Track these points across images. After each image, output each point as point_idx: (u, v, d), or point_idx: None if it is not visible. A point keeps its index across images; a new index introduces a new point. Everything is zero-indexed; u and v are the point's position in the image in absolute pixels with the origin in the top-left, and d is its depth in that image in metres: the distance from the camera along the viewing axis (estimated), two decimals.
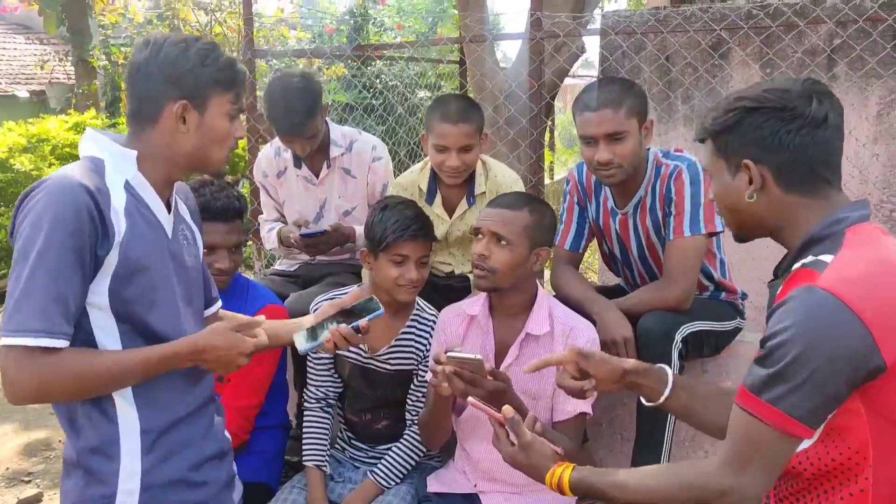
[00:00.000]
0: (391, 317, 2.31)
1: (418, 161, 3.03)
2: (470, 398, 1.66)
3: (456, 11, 7.45)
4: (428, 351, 2.33)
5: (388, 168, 3.05)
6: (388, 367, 2.37)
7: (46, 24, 10.65)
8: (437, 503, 2.24)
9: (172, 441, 1.57)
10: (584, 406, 2.07)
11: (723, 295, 2.51)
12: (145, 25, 8.58)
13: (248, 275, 3.13)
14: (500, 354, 2.14)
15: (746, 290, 2.64)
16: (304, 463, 2.39)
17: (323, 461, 2.38)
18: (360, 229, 2.77)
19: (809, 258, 1.32)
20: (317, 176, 2.99)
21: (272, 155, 3.06)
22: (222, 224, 2.35)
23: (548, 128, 7.80)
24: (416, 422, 2.34)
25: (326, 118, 2.95)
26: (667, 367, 1.68)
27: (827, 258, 1.28)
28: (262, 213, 3.26)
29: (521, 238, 2.06)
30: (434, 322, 2.35)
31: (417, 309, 2.40)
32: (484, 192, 2.70)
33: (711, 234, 2.34)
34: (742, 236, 1.49)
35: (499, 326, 2.17)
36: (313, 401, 2.45)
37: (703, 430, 1.69)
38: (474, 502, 2.19)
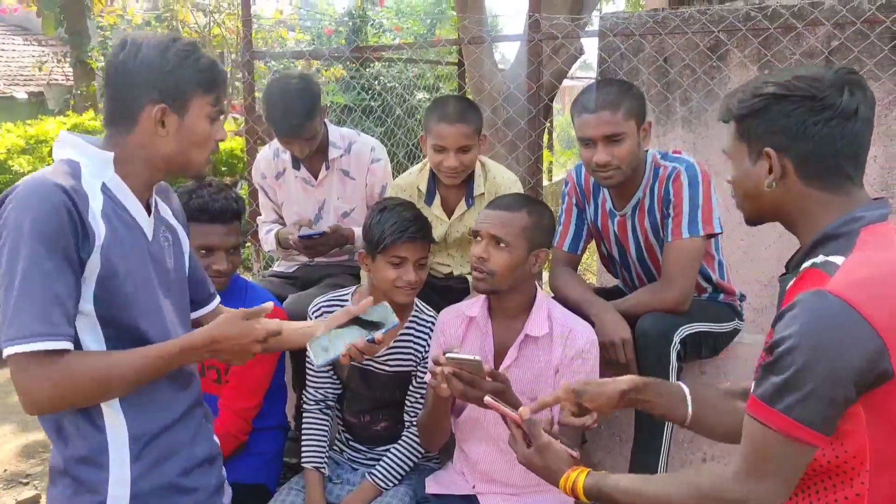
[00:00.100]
0: None
1: (417, 162, 3.03)
2: (487, 398, 1.64)
3: (454, 13, 7.46)
4: (426, 352, 2.33)
5: (387, 169, 3.05)
6: (387, 368, 2.37)
7: (45, 25, 10.66)
8: None
9: (161, 447, 1.55)
10: None
11: (721, 296, 2.51)
12: (143, 27, 8.58)
13: (247, 276, 3.13)
14: (499, 356, 2.14)
15: (744, 291, 2.64)
16: (303, 464, 2.39)
17: (321, 463, 2.38)
18: (358, 231, 2.77)
19: (820, 258, 1.28)
20: (315, 177, 2.99)
21: (271, 156, 3.06)
22: (220, 225, 2.35)
23: (546, 129, 7.80)
24: (414, 423, 2.34)
25: (325, 120, 2.95)
26: (682, 385, 1.66)
27: (838, 260, 1.25)
28: (260, 215, 3.26)
29: (519, 240, 2.06)
30: (433, 323, 2.35)
31: (416, 310, 2.40)
32: (483, 194, 2.70)
33: (710, 236, 2.34)
34: (753, 222, 1.45)
35: (498, 328, 2.17)
36: (312, 402, 2.45)
37: (709, 437, 1.67)
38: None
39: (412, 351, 2.36)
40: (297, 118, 2.72)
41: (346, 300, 2.41)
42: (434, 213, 2.74)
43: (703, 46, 3.85)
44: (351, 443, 2.53)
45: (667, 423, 2.22)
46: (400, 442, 2.37)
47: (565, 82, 8.14)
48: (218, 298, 1.87)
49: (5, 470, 3.70)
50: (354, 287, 2.52)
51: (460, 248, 2.85)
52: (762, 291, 3.70)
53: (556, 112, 11.41)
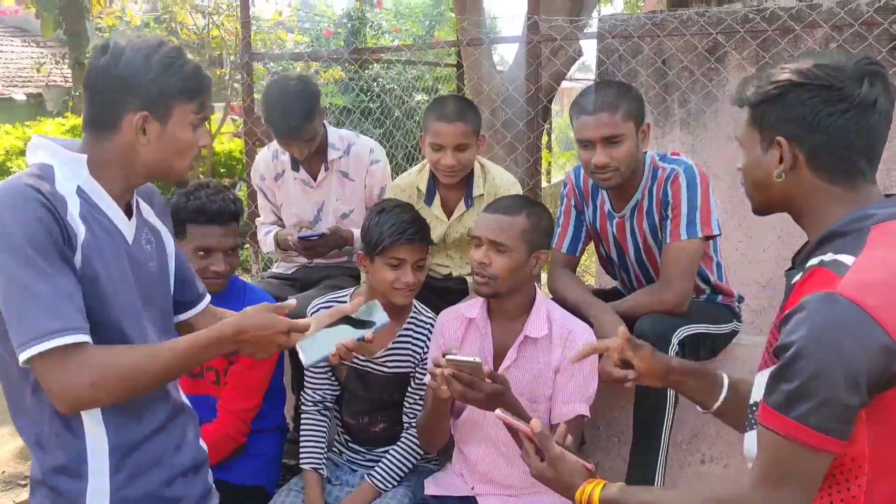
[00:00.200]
0: None
1: (415, 164, 3.03)
2: (497, 411, 1.61)
3: (453, 15, 7.47)
4: (425, 354, 2.33)
5: (386, 171, 3.05)
6: (386, 369, 2.37)
7: (43, 26, 10.65)
8: None
9: (143, 457, 1.51)
10: (582, 408, 2.07)
11: (719, 298, 2.52)
12: (142, 28, 8.57)
13: (246, 278, 3.13)
14: (498, 357, 2.14)
15: (743, 293, 2.65)
16: (302, 466, 2.39)
17: (320, 464, 2.38)
18: (357, 232, 2.77)
19: (829, 256, 1.23)
20: (314, 179, 3.00)
21: (270, 158, 3.06)
22: (218, 227, 2.34)
23: (545, 131, 7.80)
24: (413, 425, 2.34)
25: (324, 121, 2.95)
26: (723, 373, 1.62)
27: (847, 259, 1.20)
28: (259, 216, 3.26)
29: (519, 243, 2.06)
30: (431, 325, 2.35)
31: (414, 312, 2.40)
32: (482, 195, 2.71)
33: (708, 238, 2.34)
34: (761, 212, 1.41)
35: (497, 329, 2.17)
36: (310, 404, 2.45)
37: (735, 428, 1.62)
38: None
39: (410, 352, 2.36)
40: (296, 120, 2.72)
41: (345, 301, 2.40)
42: (434, 213, 2.75)
43: (702, 48, 3.86)
44: (350, 444, 2.53)
45: (665, 424, 2.23)
46: (399, 443, 2.37)
47: (564, 84, 8.13)
48: (208, 298, 1.82)
49: (3, 472, 3.70)
50: (353, 288, 2.52)
51: (459, 249, 2.85)
52: (760, 293, 3.70)
53: (554, 114, 11.42)
